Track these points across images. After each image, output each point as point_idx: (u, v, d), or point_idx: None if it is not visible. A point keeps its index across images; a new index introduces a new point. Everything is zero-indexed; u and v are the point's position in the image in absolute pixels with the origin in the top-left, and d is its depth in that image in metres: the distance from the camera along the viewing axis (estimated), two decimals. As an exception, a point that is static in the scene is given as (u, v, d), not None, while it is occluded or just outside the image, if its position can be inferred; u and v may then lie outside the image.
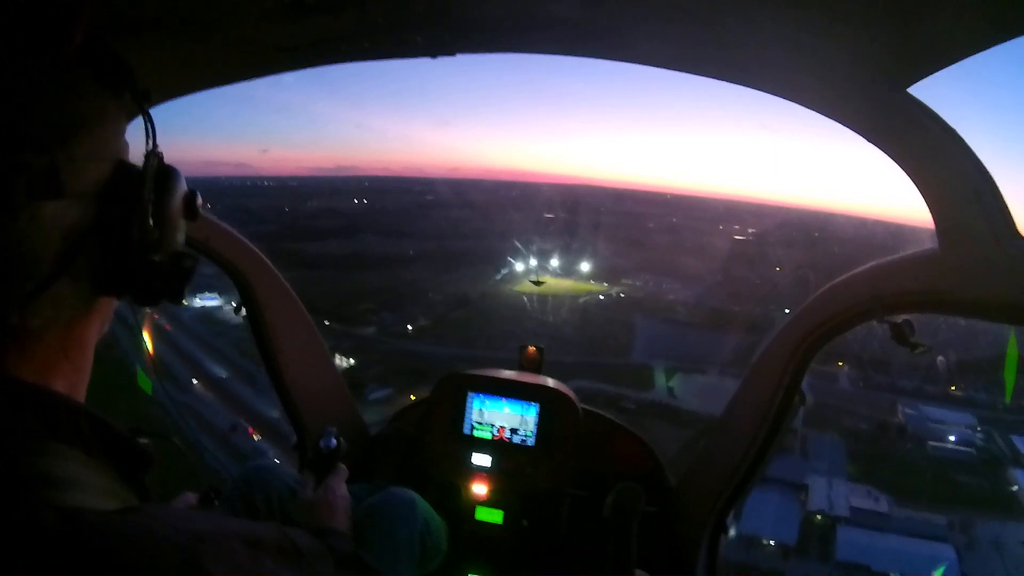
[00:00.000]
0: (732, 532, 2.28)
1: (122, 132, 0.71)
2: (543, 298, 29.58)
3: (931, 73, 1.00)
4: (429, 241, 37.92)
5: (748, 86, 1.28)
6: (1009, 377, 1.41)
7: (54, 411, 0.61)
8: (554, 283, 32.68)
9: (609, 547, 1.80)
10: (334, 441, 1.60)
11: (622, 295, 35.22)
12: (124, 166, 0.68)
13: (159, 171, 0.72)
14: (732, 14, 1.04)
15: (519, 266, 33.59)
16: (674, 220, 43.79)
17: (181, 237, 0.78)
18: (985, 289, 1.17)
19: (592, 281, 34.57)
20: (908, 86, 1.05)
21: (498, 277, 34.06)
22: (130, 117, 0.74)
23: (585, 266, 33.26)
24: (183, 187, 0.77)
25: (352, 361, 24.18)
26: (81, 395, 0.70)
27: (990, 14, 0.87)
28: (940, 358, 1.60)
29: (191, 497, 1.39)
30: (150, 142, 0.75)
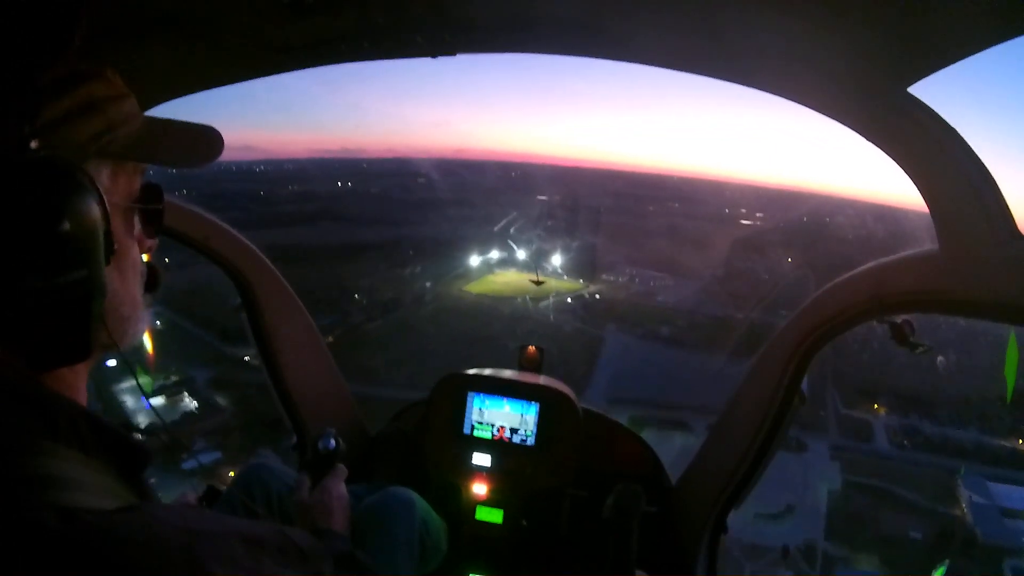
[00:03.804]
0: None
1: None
2: (495, 300, 25.05)
3: (931, 73, 1.00)
4: (392, 227, 32.57)
5: (748, 86, 1.28)
6: (1010, 377, 1.41)
7: (52, 411, 0.61)
8: (515, 280, 27.57)
9: (609, 547, 1.80)
10: (333, 442, 1.59)
11: (597, 296, 27.90)
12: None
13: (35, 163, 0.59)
14: (732, 14, 1.04)
15: (474, 260, 28.85)
16: (676, 205, 39.25)
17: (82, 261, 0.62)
18: (985, 289, 1.17)
19: (566, 277, 28.19)
20: (908, 86, 1.05)
21: (453, 271, 28.71)
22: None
23: (557, 259, 27.00)
24: (47, 200, 0.59)
25: (195, 404, 19.15)
26: (79, 395, 0.70)
27: (990, 14, 0.86)
28: (940, 358, 1.59)
29: (191, 496, 1.39)
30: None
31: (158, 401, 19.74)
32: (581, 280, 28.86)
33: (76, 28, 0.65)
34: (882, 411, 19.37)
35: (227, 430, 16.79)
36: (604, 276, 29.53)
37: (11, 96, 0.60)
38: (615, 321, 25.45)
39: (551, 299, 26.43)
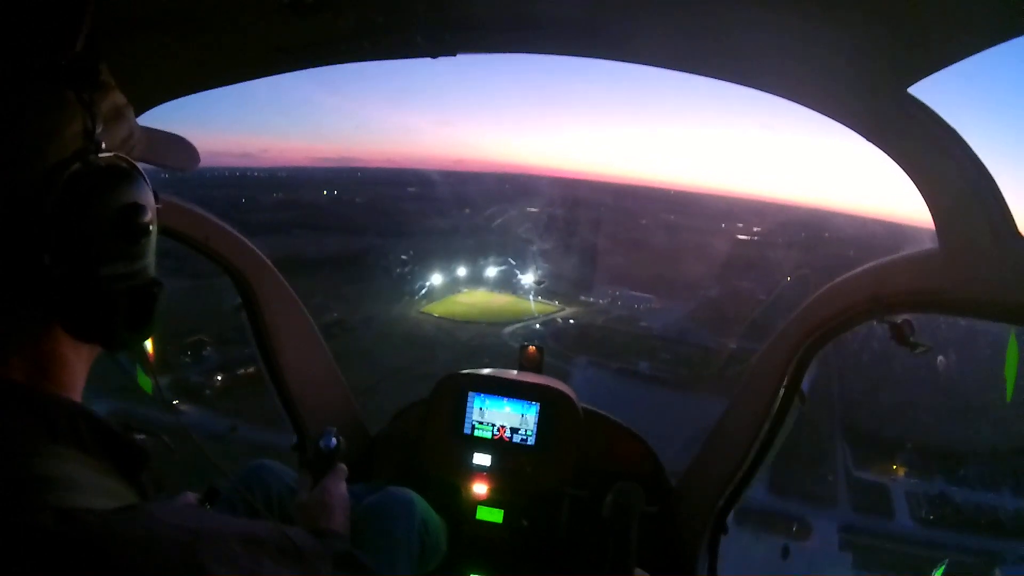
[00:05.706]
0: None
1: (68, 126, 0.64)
2: (456, 324, 22.57)
3: (931, 73, 1.00)
4: (365, 238, 30.07)
5: (748, 86, 1.28)
6: (1009, 376, 1.40)
7: (51, 412, 0.61)
8: (481, 300, 25.66)
9: (609, 547, 1.80)
10: (333, 441, 1.60)
11: (571, 321, 24.57)
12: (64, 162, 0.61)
13: (87, 172, 0.62)
14: (732, 14, 1.04)
15: (437, 278, 25.87)
16: (672, 218, 37.23)
17: (120, 258, 0.67)
18: (985, 289, 1.17)
19: (540, 298, 25.54)
20: (908, 86, 1.05)
21: (420, 291, 25.65)
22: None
23: (530, 278, 24.44)
24: (125, 196, 0.66)
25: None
26: (78, 395, 0.70)
27: (990, 14, 0.86)
28: (940, 358, 1.59)
29: (191, 496, 1.39)
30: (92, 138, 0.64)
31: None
32: (556, 302, 26.00)
33: (81, 26, 0.64)
34: (901, 472, 16.31)
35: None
36: (583, 297, 26.41)
37: (83, 91, 0.64)
38: (587, 352, 21.88)
39: (528, 321, 24.02)
